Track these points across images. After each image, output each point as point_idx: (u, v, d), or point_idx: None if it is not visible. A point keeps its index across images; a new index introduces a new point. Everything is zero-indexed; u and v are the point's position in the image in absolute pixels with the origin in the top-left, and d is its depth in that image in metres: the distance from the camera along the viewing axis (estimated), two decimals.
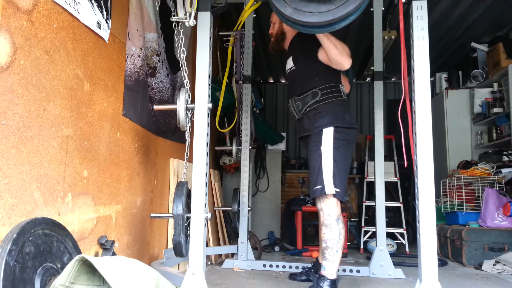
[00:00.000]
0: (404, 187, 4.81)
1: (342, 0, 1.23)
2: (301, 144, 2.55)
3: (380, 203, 2.96)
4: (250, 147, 3.26)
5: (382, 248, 2.86)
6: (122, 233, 2.05)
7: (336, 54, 2.16)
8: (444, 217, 3.93)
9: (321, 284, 2.18)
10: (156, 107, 2.13)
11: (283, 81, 6.65)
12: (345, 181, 2.30)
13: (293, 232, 4.19)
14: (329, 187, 2.21)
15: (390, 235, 4.09)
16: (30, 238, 1.22)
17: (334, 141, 2.24)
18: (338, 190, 2.22)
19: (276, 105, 6.70)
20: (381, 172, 2.98)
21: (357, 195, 5.18)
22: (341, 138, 2.27)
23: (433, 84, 5.28)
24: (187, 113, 1.91)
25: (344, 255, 3.79)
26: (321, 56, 2.28)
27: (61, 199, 1.53)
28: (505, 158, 4.02)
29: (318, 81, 2.33)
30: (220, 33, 3.74)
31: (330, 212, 2.23)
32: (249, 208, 3.20)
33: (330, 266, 2.21)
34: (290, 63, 2.52)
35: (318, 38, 2.17)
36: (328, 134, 2.26)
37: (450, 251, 3.61)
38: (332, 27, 1.49)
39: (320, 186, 2.22)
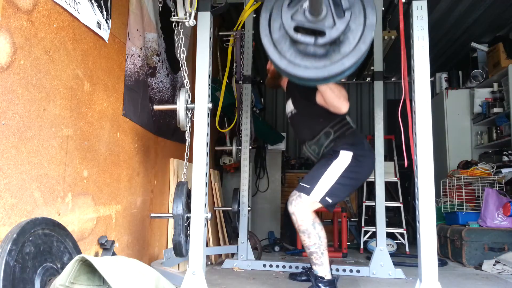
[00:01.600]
0: (404, 187, 4.81)
1: (339, 56, 1.22)
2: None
3: (380, 203, 2.96)
4: (250, 147, 3.26)
5: (382, 248, 2.86)
6: (122, 233, 2.05)
7: (332, 99, 2.15)
8: (444, 217, 3.93)
9: (320, 285, 2.18)
10: (156, 107, 2.13)
11: None
12: (332, 204, 2.24)
13: (293, 232, 4.18)
14: (316, 194, 2.18)
15: (390, 235, 4.09)
16: (30, 238, 1.22)
17: (347, 166, 2.21)
18: (320, 205, 2.19)
19: (276, 105, 6.70)
20: (381, 172, 2.98)
21: (357, 195, 5.18)
22: (355, 170, 2.23)
23: (433, 84, 5.28)
24: (187, 113, 1.91)
25: (344, 255, 3.80)
26: (319, 99, 2.26)
27: (61, 199, 1.53)
28: (505, 158, 4.02)
29: (325, 122, 2.32)
30: (220, 33, 3.74)
31: (303, 217, 2.18)
32: (249, 208, 3.20)
33: (322, 269, 2.21)
34: (290, 106, 2.51)
35: None
36: (345, 157, 2.23)
37: (450, 251, 3.61)
38: (327, 81, 1.49)
39: (308, 186, 2.20)
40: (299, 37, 1.20)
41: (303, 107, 2.41)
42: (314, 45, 1.21)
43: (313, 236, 2.18)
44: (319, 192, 2.19)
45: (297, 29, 1.21)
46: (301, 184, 2.26)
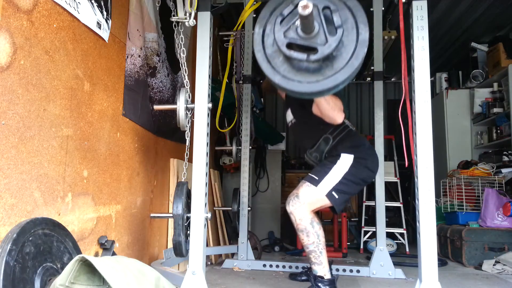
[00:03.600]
0: (404, 187, 4.81)
1: (332, 71, 1.23)
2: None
3: (380, 203, 2.96)
4: (250, 147, 3.26)
5: (382, 248, 2.86)
6: (122, 233, 2.05)
7: (327, 110, 2.17)
8: (444, 217, 3.93)
9: (319, 285, 2.18)
10: (156, 107, 2.13)
11: None
12: (343, 199, 2.25)
13: (293, 232, 4.16)
14: (324, 187, 2.19)
15: (390, 235, 4.09)
16: (30, 238, 1.22)
17: (349, 169, 2.22)
18: (336, 196, 2.20)
19: (276, 105, 6.69)
20: (381, 172, 2.98)
21: (357, 195, 5.17)
22: (356, 173, 2.24)
23: (433, 84, 5.28)
24: (187, 113, 1.91)
25: (344, 255, 3.79)
26: (315, 110, 2.27)
27: (61, 199, 1.53)
28: (505, 158, 4.02)
29: (325, 128, 2.34)
30: (220, 33, 3.74)
31: (301, 216, 2.19)
32: (249, 208, 3.20)
33: (320, 268, 2.21)
34: (290, 116, 2.55)
35: None
36: (346, 160, 2.24)
37: (450, 251, 3.61)
38: (321, 95, 1.48)
39: (317, 178, 2.21)
40: (292, 53, 1.21)
41: (302, 116, 2.45)
42: (307, 61, 1.22)
43: (311, 234, 2.19)
44: (326, 185, 2.21)
45: (290, 45, 1.22)
46: (310, 174, 2.27)
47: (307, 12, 1.09)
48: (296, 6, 1.20)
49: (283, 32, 1.22)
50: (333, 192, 2.21)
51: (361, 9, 1.22)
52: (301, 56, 1.21)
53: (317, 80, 1.24)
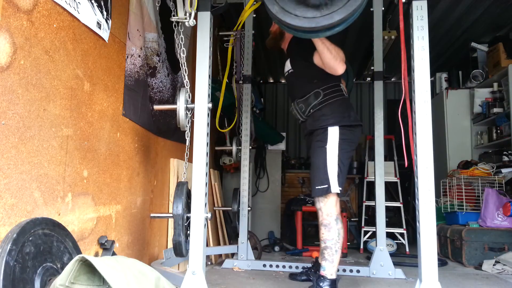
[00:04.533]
0: (404, 187, 4.81)
1: (328, 10, 1.22)
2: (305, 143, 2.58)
3: (380, 203, 2.96)
4: (250, 147, 3.26)
5: (382, 248, 2.86)
6: (122, 233, 2.05)
7: (329, 59, 2.16)
8: (444, 217, 3.93)
9: (320, 284, 2.18)
10: (156, 107, 2.13)
11: (283, 81, 6.64)
12: (345, 180, 2.33)
13: (293, 232, 4.19)
14: (335, 186, 2.22)
15: (390, 235, 4.09)
16: (30, 238, 1.22)
17: (339, 141, 2.25)
18: (341, 189, 2.25)
19: (276, 105, 6.70)
20: (381, 172, 2.98)
21: (357, 195, 5.17)
22: (346, 138, 2.27)
23: (433, 84, 5.28)
24: (187, 113, 1.91)
25: (344, 255, 3.79)
26: (316, 59, 2.28)
27: (61, 199, 1.53)
28: (505, 158, 4.02)
29: (318, 83, 2.34)
30: (220, 33, 3.74)
31: (329, 212, 2.23)
32: (249, 208, 3.20)
33: (330, 266, 2.21)
34: (288, 66, 2.53)
35: (313, 41, 2.17)
36: (333, 133, 2.26)
37: (450, 251, 3.61)
38: (316, 34, 1.47)
39: (326, 186, 2.22)
40: None
41: (300, 67, 2.44)
42: None
43: (333, 230, 2.21)
44: (335, 182, 2.22)
45: None
46: (317, 188, 2.26)
47: None
48: None
49: None
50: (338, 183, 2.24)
51: None
52: None
53: (313, 16, 1.24)
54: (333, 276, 2.21)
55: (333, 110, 2.29)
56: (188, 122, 1.92)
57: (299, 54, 2.43)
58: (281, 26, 1.47)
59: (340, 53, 2.19)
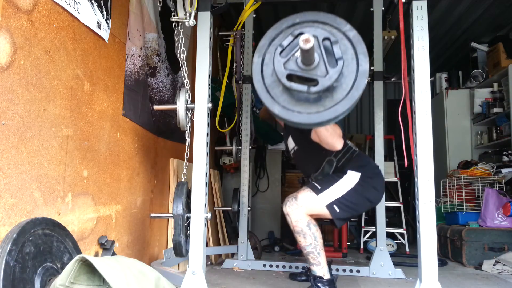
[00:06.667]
0: (404, 187, 4.81)
1: (332, 102, 1.21)
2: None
3: (380, 203, 2.95)
4: (250, 147, 3.26)
5: (382, 248, 2.86)
6: (122, 233, 2.05)
7: (326, 137, 2.16)
8: (444, 217, 3.93)
9: (319, 285, 2.18)
10: (156, 107, 2.13)
11: None
12: (345, 215, 2.22)
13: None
14: (326, 197, 2.17)
15: (390, 235, 4.09)
16: (30, 238, 1.22)
17: (355, 186, 2.20)
18: (337, 210, 2.17)
19: None
20: None
21: None
22: (363, 191, 2.21)
23: (433, 84, 5.28)
24: (187, 113, 1.91)
25: (344, 255, 3.79)
26: (313, 137, 2.27)
27: (61, 199, 1.53)
28: (505, 158, 4.02)
29: (328, 151, 2.31)
30: (220, 33, 3.74)
31: (297, 218, 2.17)
32: (249, 208, 3.20)
33: (319, 269, 2.21)
34: (291, 143, 2.54)
35: None
36: (353, 177, 2.21)
37: (450, 251, 3.61)
38: (321, 125, 1.46)
39: (319, 187, 2.20)
40: (293, 85, 1.19)
41: (305, 143, 2.42)
42: (307, 93, 1.21)
43: (308, 236, 2.17)
44: (328, 196, 2.18)
45: (290, 76, 1.20)
46: (313, 183, 2.25)
47: (308, 46, 1.07)
48: (296, 37, 1.19)
49: (283, 63, 1.20)
50: (334, 205, 2.17)
51: (361, 39, 1.20)
52: (302, 88, 1.19)
53: (317, 111, 1.23)
54: (328, 276, 2.21)
55: (352, 165, 2.27)
56: (188, 122, 1.92)
57: (299, 131, 2.43)
58: (285, 122, 1.46)
59: (336, 129, 2.19)
